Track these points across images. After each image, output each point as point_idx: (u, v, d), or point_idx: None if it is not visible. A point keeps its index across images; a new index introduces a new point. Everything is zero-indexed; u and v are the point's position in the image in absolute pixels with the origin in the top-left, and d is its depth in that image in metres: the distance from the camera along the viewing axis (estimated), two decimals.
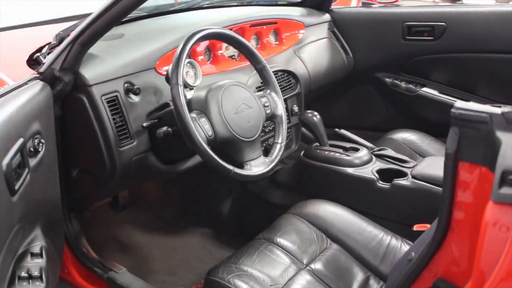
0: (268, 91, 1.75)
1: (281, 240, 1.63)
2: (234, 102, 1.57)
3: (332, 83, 2.64)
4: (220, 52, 1.96)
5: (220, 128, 1.51)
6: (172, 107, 1.54)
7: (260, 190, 2.22)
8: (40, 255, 1.21)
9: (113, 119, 1.49)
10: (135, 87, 1.55)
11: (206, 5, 2.38)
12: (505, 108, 0.75)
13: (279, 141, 1.71)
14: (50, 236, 1.33)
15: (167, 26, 1.95)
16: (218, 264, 1.52)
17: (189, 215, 2.38)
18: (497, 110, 0.75)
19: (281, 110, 1.74)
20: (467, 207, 0.82)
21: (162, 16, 2.07)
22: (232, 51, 2.05)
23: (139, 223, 2.28)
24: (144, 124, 1.55)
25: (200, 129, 1.46)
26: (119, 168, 1.52)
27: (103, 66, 1.53)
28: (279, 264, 1.55)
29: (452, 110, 0.78)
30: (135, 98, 1.56)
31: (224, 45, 1.99)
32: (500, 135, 0.73)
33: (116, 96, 1.50)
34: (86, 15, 1.40)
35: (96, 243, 1.87)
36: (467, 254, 0.85)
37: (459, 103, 0.78)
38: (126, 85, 1.54)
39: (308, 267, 1.56)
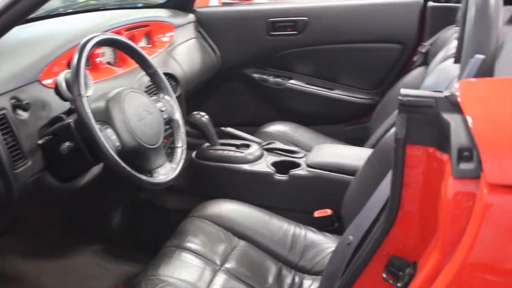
0: (162, 95, 1.72)
1: (191, 245, 1.61)
2: (136, 109, 1.53)
3: (204, 82, 2.66)
4: (98, 59, 1.87)
5: (126, 138, 1.46)
6: (68, 120, 1.46)
7: (153, 196, 2.17)
8: None
9: (4, 139, 1.36)
10: (24, 102, 1.42)
11: (69, 11, 2.26)
12: (447, 92, 0.81)
13: (180, 145, 1.69)
14: None
15: (39, 35, 1.81)
16: (137, 279, 1.47)
17: (76, 233, 2.26)
18: (440, 94, 0.81)
19: (177, 114, 1.72)
20: (416, 187, 0.87)
21: (28, 24, 1.92)
22: (108, 57, 1.97)
23: (22, 250, 2.11)
24: (40, 142, 1.43)
25: (108, 140, 1.40)
26: (15, 193, 1.39)
27: None
28: (195, 269, 1.53)
29: (399, 97, 0.83)
30: (24, 115, 1.43)
31: (101, 51, 1.91)
32: (447, 116, 0.79)
33: (4, 114, 1.36)
34: None
35: None
36: (417, 230, 0.91)
37: (404, 91, 0.83)
38: (12, 101, 1.41)
39: (223, 268, 1.56)
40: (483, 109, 0.79)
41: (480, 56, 0.96)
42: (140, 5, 2.77)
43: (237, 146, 2.11)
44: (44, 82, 1.56)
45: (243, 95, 2.90)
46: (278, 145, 2.17)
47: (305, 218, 1.80)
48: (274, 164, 2.01)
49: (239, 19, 2.77)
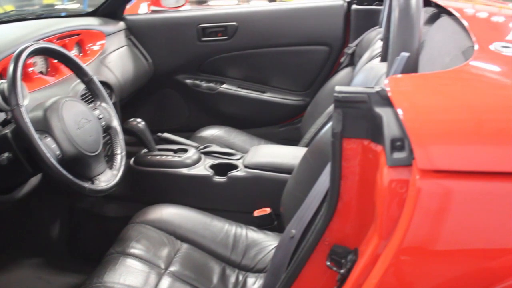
0: (99, 102, 1.72)
1: (134, 251, 1.61)
2: (74, 117, 1.52)
3: (138, 89, 2.66)
4: (31, 69, 1.84)
5: (67, 146, 1.45)
6: (5, 131, 1.44)
7: (92, 205, 2.15)
8: None
9: None
10: None
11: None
12: (378, 88, 0.87)
13: (119, 151, 1.70)
14: None
15: None
16: (82, 287, 1.46)
17: (12, 247, 2.20)
18: (372, 90, 0.87)
19: (115, 121, 1.73)
20: (353, 178, 0.93)
21: None
22: (40, 66, 1.95)
23: None
24: None
25: (48, 149, 1.39)
26: None
27: None
28: (140, 274, 1.53)
29: (335, 94, 0.88)
30: None
31: (33, 60, 1.88)
32: (379, 110, 0.84)
33: None
34: None
35: None
36: (356, 219, 0.96)
37: (339, 88, 0.88)
38: None
39: (168, 271, 1.58)
40: (412, 102, 0.85)
41: (405, 54, 1.03)
42: (63, 14, 2.74)
43: (175, 151, 2.12)
44: None
45: (177, 101, 2.92)
46: (215, 148, 2.20)
47: (245, 218, 1.84)
48: (212, 167, 2.04)
49: (169, 26, 2.78)
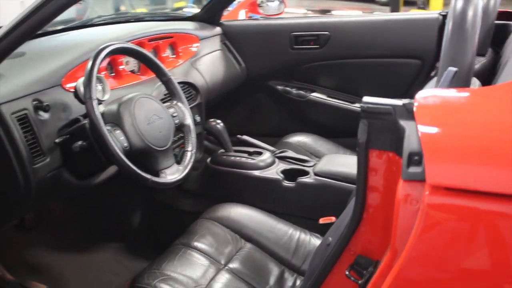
0: (175, 101, 1.82)
1: (198, 244, 1.68)
2: (146, 113, 1.63)
3: (228, 92, 2.74)
4: (121, 67, 1.99)
5: (134, 139, 1.56)
6: (84, 122, 1.56)
7: (169, 199, 2.27)
8: None
9: (25, 136, 1.48)
10: (44, 104, 1.55)
11: (101, 22, 2.39)
12: (405, 100, 0.87)
13: (189, 149, 1.78)
14: None
15: (67, 43, 1.95)
16: (141, 272, 1.55)
17: (98, 231, 2.37)
18: (399, 102, 0.87)
19: (189, 119, 1.81)
20: (378, 189, 0.93)
21: (59, 34, 2.06)
22: (132, 65, 2.09)
23: (48, 243, 2.24)
24: (57, 140, 1.55)
25: (116, 141, 1.50)
26: (34, 186, 1.51)
27: (8, 85, 1.50)
28: (199, 267, 1.60)
29: (361, 104, 0.89)
30: (44, 115, 1.55)
31: (125, 60, 2.02)
32: (403, 123, 0.84)
33: (26, 114, 1.49)
34: None
35: (6, 265, 1.82)
36: (381, 231, 0.96)
37: (366, 98, 0.89)
38: (34, 102, 1.53)
39: (226, 267, 1.63)
40: (434, 116, 0.83)
41: (453, 69, 1.00)
42: (164, 17, 2.88)
43: (250, 153, 2.18)
44: (67, 86, 1.68)
45: (267, 106, 2.97)
46: (290, 153, 2.23)
47: (310, 224, 1.85)
48: (283, 172, 2.08)
49: (264, 32, 2.85)
